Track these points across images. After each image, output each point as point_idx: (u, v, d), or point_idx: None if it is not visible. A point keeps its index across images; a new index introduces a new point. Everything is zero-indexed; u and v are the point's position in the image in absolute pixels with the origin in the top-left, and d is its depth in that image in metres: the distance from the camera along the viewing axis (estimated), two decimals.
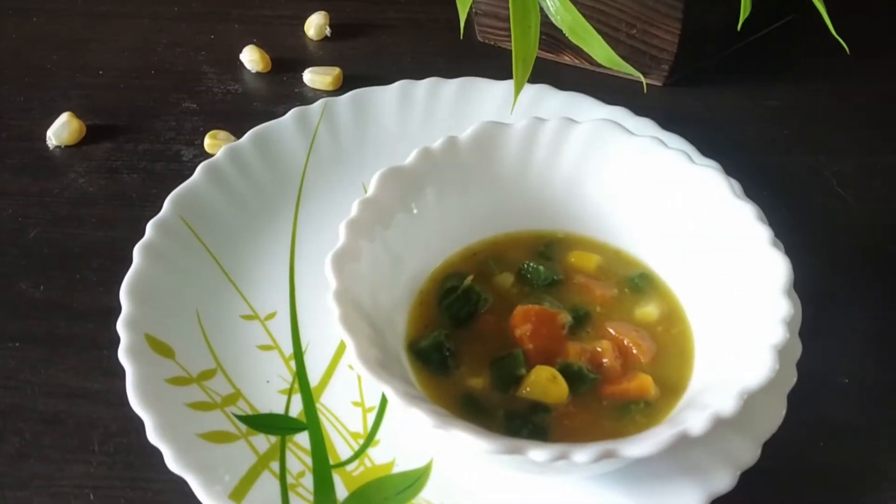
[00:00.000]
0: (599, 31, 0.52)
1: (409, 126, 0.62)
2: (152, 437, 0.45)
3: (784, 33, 0.72)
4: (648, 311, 0.49)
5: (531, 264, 0.51)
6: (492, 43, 0.71)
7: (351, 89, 0.63)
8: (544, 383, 0.45)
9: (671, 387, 0.46)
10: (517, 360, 0.46)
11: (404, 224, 0.49)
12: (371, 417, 0.48)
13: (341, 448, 0.47)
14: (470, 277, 0.50)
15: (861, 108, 0.67)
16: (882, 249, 0.58)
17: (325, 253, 0.46)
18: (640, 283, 0.50)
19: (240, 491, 0.44)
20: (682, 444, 0.39)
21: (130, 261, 0.52)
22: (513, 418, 0.44)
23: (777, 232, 0.47)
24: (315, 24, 0.73)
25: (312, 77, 0.68)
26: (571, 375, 0.45)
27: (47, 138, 0.64)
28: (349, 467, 0.46)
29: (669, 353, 0.47)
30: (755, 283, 0.45)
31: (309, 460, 0.46)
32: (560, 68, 0.69)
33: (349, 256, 0.46)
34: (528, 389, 0.45)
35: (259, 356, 0.51)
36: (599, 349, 0.47)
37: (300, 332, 0.52)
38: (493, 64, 0.65)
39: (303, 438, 0.47)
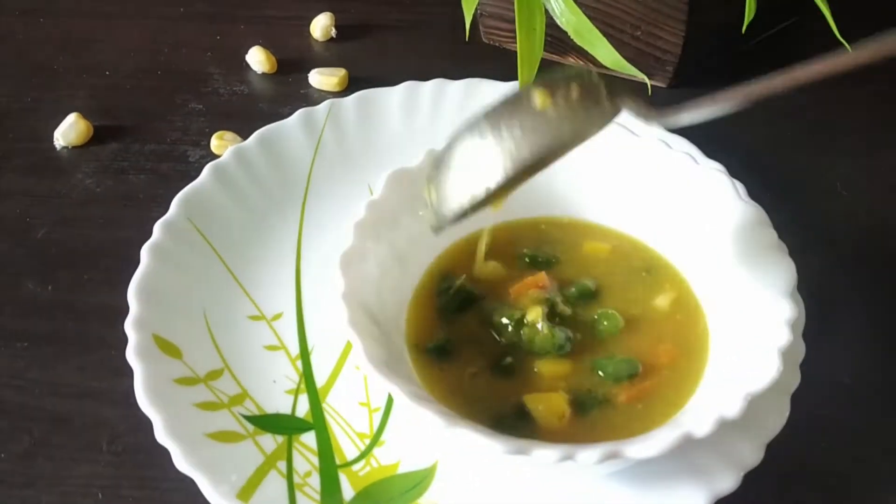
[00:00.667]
0: (604, 33, 0.52)
1: (414, 127, 0.62)
2: (160, 436, 0.46)
3: (788, 35, 0.72)
4: (661, 302, 0.49)
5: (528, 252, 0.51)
6: (497, 44, 0.72)
7: (356, 90, 0.63)
8: (549, 416, 0.44)
9: (682, 388, 0.46)
10: (519, 357, 0.47)
11: (410, 225, 0.50)
12: (377, 418, 0.49)
13: (347, 448, 0.47)
14: (463, 277, 0.50)
15: (864, 109, 0.67)
16: (886, 251, 0.58)
17: (331, 253, 0.46)
18: (648, 276, 0.50)
19: (247, 490, 0.44)
20: (687, 445, 0.40)
21: (137, 261, 0.52)
22: (516, 420, 0.45)
23: (781, 234, 0.48)
24: (321, 25, 0.73)
25: (318, 78, 0.69)
26: (581, 401, 0.45)
27: (54, 139, 0.64)
28: (355, 467, 0.46)
29: (686, 353, 0.47)
30: (759, 286, 0.45)
31: (316, 460, 0.47)
32: (564, 70, 0.69)
33: (356, 257, 0.46)
34: (534, 407, 0.45)
35: (266, 356, 0.51)
36: (646, 384, 0.46)
37: (306, 332, 0.52)
38: (499, 65, 0.65)
39: (309, 438, 0.48)
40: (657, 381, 0.46)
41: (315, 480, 0.46)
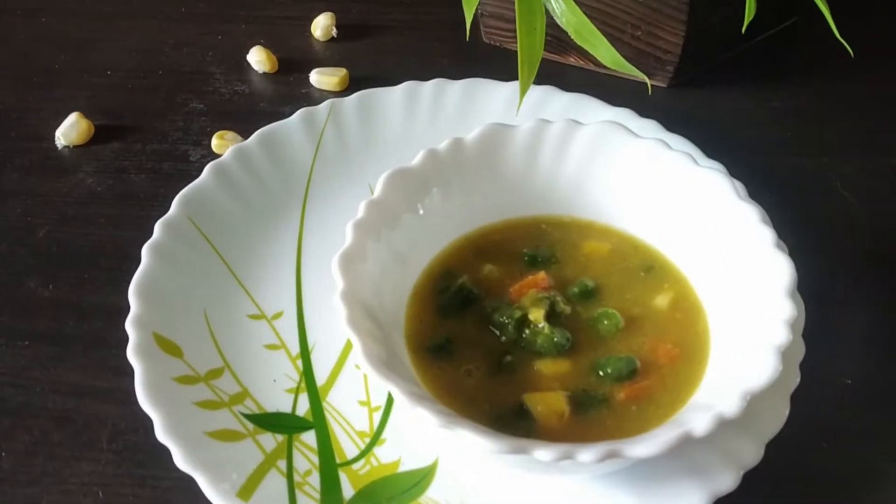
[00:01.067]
0: (604, 33, 0.52)
1: (414, 127, 0.62)
2: (160, 435, 0.46)
3: (788, 35, 0.73)
4: (660, 301, 0.49)
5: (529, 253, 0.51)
6: (497, 44, 0.72)
7: (357, 90, 0.63)
8: (549, 415, 0.45)
9: (682, 387, 0.46)
10: (521, 356, 0.47)
11: (410, 225, 0.50)
12: (377, 416, 0.49)
13: (348, 447, 0.47)
14: (464, 276, 0.50)
15: (864, 109, 0.67)
16: (885, 251, 0.58)
17: (332, 253, 0.46)
18: (648, 275, 0.50)
19: (247, 489, 0.45)
20: (686, 444, 0.40)
21: (138, 260, 0.52)
22: (515, 419, 0.45)
23: (780, 233, 0.48)
24: (321, 25, 0.73)
25: (319, 78, 0.69)
26: (580, 400, 0.45)
27: (56, 138, 0.64)
28: (355, 466, 0.47)
29: (686, 353, 0.47)
30: (759, 285, 0.45)
31: (316, 459, 0.47)
32: (565, 69, 0.69)
33: (355, 257, 0.46)
34: (534, 407, 0.45)
35: (266, 355, 0.51)
36: (646, 382, 0.46)
37: (307, 331, 0.52)
38: (499, 65, 0.65)
39: (309, 437, 0.48)
40: (657, 380, 0.46)
41: (315, 479, 0.46)
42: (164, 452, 0.45)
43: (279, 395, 0.49)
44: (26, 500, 0.47)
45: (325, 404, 0.49)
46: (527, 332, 0.47)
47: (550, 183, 0.52)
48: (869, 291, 0.55)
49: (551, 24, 0.52)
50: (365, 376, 0.50)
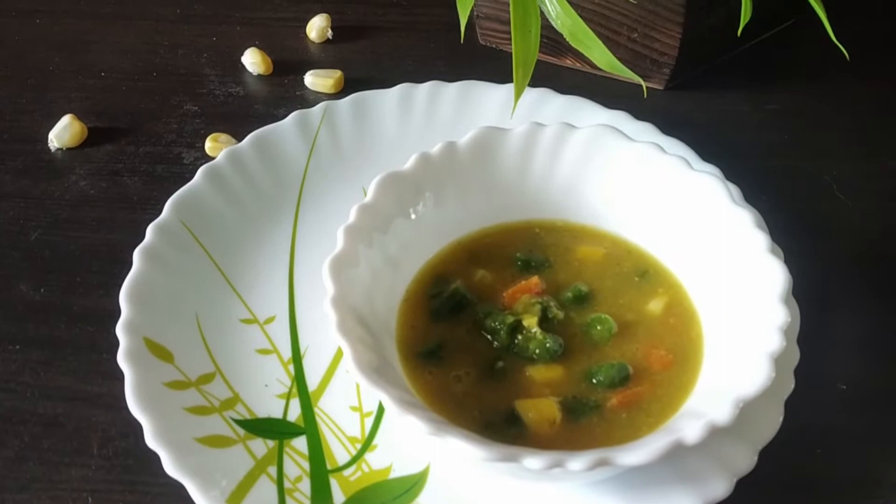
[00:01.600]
0: (600, 35, 0.52)
1: (409, 130, 0.62)
2: (150, 441, 0.45)
3: (784, 38, 0.72)
4: (654, 306, 0.49)
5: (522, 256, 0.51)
6: (493, 46, 0.71)
7: (352, 92, 0.63)
8: (540, 422, 0.44)
9: (675, 394, 0.45)
10: (514, 358, 0.47)
11: (402, 229, 0.49)
12: (369, 422, 0.48)
13: (339, 453, 0.47)
14: (458, 281, 0.50)
15: (860, 112, 0.67)
16: (881, 255, 0.58)
17: (325, 257, 0.46)
18: (642, 281, 0.50)
19: (237, 495, 0.44)
20: (679, 451, 0.39)
21: (130, 264, 0.52)
22: (506, 426, 0.44)
23: (776, 237, 0.47)
24: (317, 27, 0.73)
25: (313, 80, 0.68)
26: (572, 407, 0.45)
27: (49, 140, 0.64)
28: (346, 472, 0.46)
29: (679, 359, 0.47)
30: (753, 290, 0.45)
31: (306, 465, 0.46)
32: (561, 72, 0.69)
33: (347, 262, 0.46)
34: (525, 413, 0.45)
35: (258, 360, 0.51)
36: (639, 389, 0.46)
37: (299, 336, 0.52)
38: (495, 67, 0.65)
39: (300, 443, 0.47)
40: (650, 386, 0.46)
41: (306, 486, 0.46)
42: (155, 458, 0.45)
43: (270, 401, 0.49)
44: None
45: (316, 410, 0.49)
46: (519, 337, 0.47)
47: (544, 187, 0.52)
48: (864, 296, 0.55)
49: (546, 26, 0.51)
50: (357, 382, 0.50)
